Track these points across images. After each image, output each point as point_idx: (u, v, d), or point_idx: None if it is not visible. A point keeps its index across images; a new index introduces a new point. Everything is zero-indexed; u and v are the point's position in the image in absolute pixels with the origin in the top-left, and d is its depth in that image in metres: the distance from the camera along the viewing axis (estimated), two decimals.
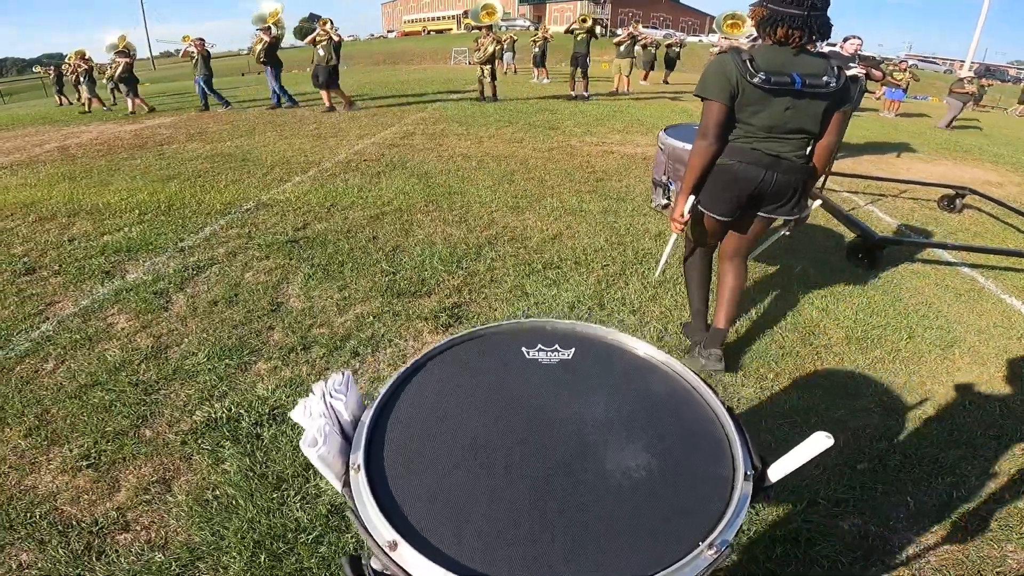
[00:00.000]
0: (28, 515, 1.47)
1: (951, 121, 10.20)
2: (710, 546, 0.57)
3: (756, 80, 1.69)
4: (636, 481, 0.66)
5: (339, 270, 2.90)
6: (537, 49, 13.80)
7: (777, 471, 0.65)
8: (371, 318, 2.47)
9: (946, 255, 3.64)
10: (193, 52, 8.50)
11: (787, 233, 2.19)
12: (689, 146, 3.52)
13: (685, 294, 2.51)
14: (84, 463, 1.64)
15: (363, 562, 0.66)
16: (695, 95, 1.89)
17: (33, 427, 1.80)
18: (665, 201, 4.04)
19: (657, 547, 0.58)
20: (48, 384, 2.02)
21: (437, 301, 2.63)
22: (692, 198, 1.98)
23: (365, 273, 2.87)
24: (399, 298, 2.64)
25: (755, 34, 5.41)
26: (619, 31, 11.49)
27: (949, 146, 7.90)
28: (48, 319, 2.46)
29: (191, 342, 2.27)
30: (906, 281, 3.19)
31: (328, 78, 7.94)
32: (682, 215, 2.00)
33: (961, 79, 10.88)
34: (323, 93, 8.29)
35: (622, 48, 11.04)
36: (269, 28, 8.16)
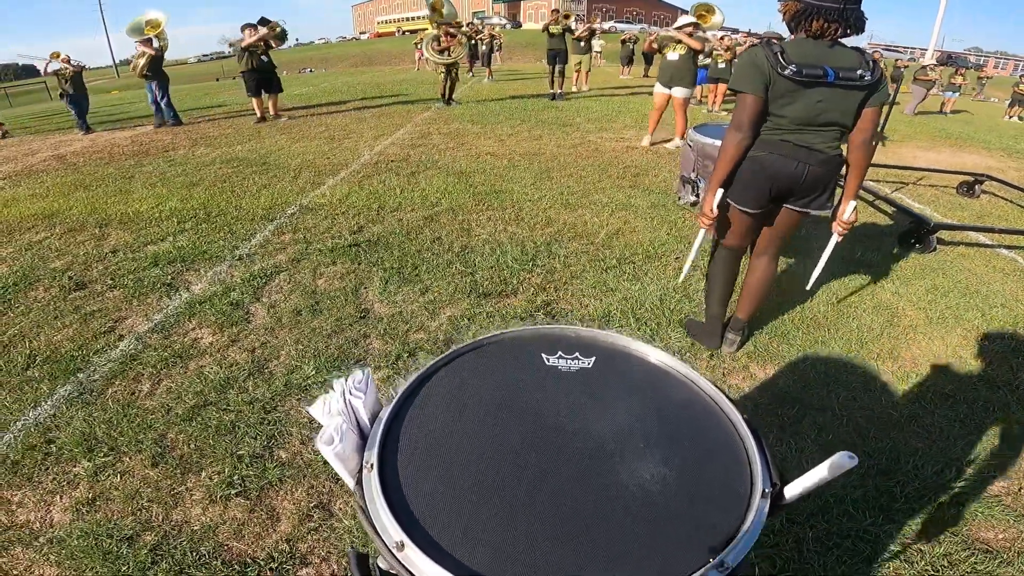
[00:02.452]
0: (196, 555, 1.36)
1: (916, 107, 10.78)
2: (720, 564, 0.56)
3: (787, 72, 1.68)
4: (651, 494, 0.65)
5: (414, 273, 2.81)
6: (484, 47, 13.51)
7: (795, 489, 0.62)
8: (465, 320, 2.40)
9: (982, 238, 3.77)
10: (64, 70, 7.41)
11: (839, 240, 2.13)
12: (718, 142, 3.58)
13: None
14: (231, 491, 1.54)
15: (370, 561, 0.66)
16: (730, 89, 1.87)
17: (157, 455, 1.67)
18: (694, 198, 4.07)
19: (670, 562, 0.57)
20: (152, 407, 1.89)
21: (526, 300, 2.58)
22: (721, 192, 1.94)
23: (442, 275, 2.79)
24: (486, 299, 2.58)
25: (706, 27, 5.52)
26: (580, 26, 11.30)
27: (941, 134, 8.23)
28: (123, 337, 2.31)
29: (290, 355, 2.16)
30: (956, 263, 3.30)
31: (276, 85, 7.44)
32: (712, 210, 1.96)
33: (924, 67, 11.41)
34: (271, 101, 7.60)
35: (581, 44, 10.96)
36: (150, 40, 7.29)
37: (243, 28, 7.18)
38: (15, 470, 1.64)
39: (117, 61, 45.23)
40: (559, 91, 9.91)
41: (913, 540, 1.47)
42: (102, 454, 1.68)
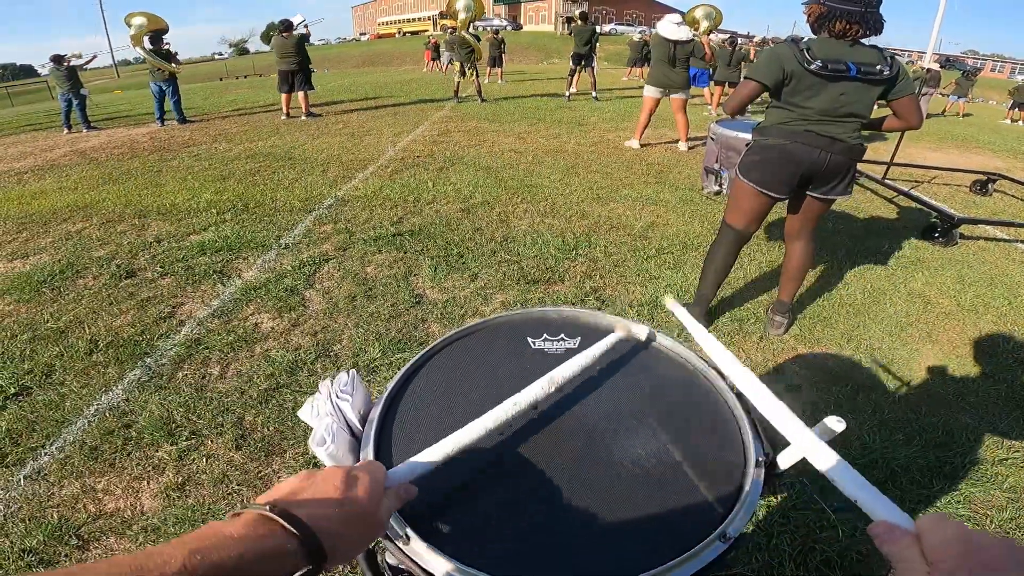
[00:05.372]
0: None
1: (924, 110, 10.96)
2: (722, 535, 0.55)
3: (813, 66, 1.81)
4: (646, 471, 0.65)
5: (460, 261, 2.87)
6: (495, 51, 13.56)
7: (787, 457, 0.63)
8: (518, 305, 2.46)
9: (999, 233, 3.87)
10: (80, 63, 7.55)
11: None
12: (740, 134, 3.70)
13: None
14: None
15: (379, 557, 0.65)
16: (745, 78, 1.98)
17: (239, 438, 1.70)
18: (717, 188, 4.17)
19: (668, 537, 0.57)
20: (226, 390, 1.93)
21: (574, 286, 2.64)
22: None
23: (488, 263, 2.85)
24: (535, 285, 2.64)
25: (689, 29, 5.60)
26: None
27: (947, 136, 8.38)
28: (184, 322, 2.35)
29: (352, 338, 2.21)
30: (977, 256, 3.39)
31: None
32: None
33: (926, 69, 11.64)
34: (303, 96, 7.51)
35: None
36: (172, 56, 7.50)
37: (288, 27, 7.29)
38: (95, 456, 1.64)
39: (117, 61, 45.01)
40: (594, 92, 9.93)
41: (980, 505, 1.54)
42: (184, 438, 1.69)
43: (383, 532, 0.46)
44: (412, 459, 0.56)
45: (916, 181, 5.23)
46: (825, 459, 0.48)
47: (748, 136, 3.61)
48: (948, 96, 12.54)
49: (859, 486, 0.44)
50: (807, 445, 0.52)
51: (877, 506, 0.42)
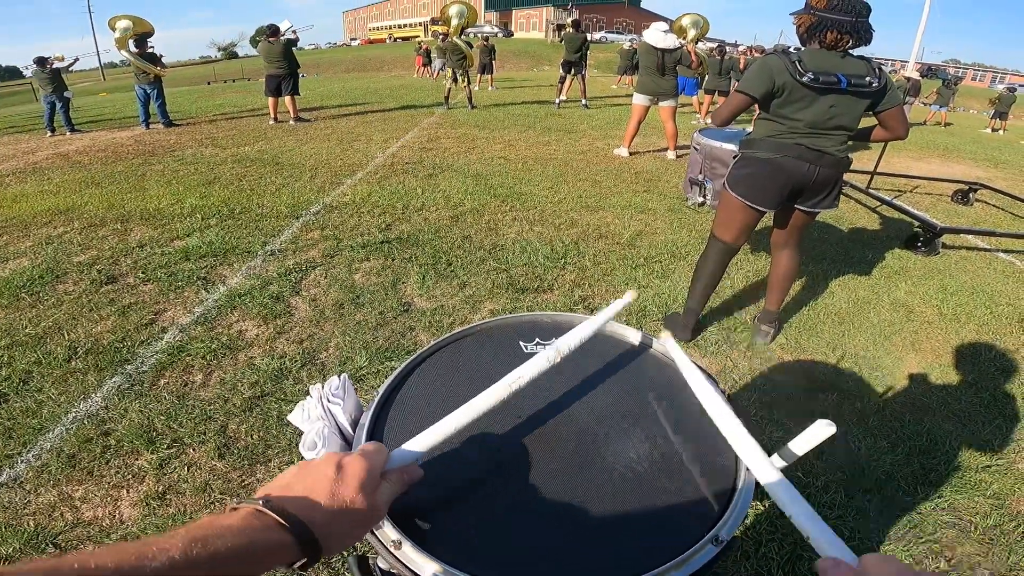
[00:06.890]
0: None
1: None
2: (715, 538, 0.56)
3: (805, 79, 1.81)
4: (638, 474, 0.65)
5: (449, 269, 2.85)
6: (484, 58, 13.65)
7: (778, 460, 0.63)
8: (507, 314, 2.45)
9: (981, 242, 3.95)
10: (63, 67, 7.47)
11: None
12: (724, 144, 3.74)
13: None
14: None
15: (370, 562, 0.66)
16: (737, 91, 1.99)
17: (221, 446, 1.67)
18: (701, 199, 4.20)
19: (662, 541, 0.57)
20: (209, 398, 1.89)
21: (562, 295, 2.64)
22: None
23: (477, 271, 2.84)
24: (524, 294, 2.63)
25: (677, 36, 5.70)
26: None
27: (927, 145, 8.56)
28: (166, 329, 2.31)
29: (339, 346, 2.18)
30: (959, 265, 3.46)
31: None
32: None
33: (908, 78, 11.94)
34: (290, 101, 7.44)
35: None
36: (159, 59, 7.42)
37: (275, 32, 7.26)
38: (72, 463, 1.61)
39: (103, 63, 44.49)
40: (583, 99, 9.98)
41: (964, 512, 1.56)
42: (165, 446, 1.66)
43: (381, 518, 0.48)
44: (415, 438, 0.55)
45: (899, 190, 5.33)
46: (785, 495, 0.50)
47: (732, 147, 3.67)
48: (930, 105, 12.84)
49: (812, 521, 0.46)
50: (771, 480, 0.53)
51: (826, 542, 0.44)
